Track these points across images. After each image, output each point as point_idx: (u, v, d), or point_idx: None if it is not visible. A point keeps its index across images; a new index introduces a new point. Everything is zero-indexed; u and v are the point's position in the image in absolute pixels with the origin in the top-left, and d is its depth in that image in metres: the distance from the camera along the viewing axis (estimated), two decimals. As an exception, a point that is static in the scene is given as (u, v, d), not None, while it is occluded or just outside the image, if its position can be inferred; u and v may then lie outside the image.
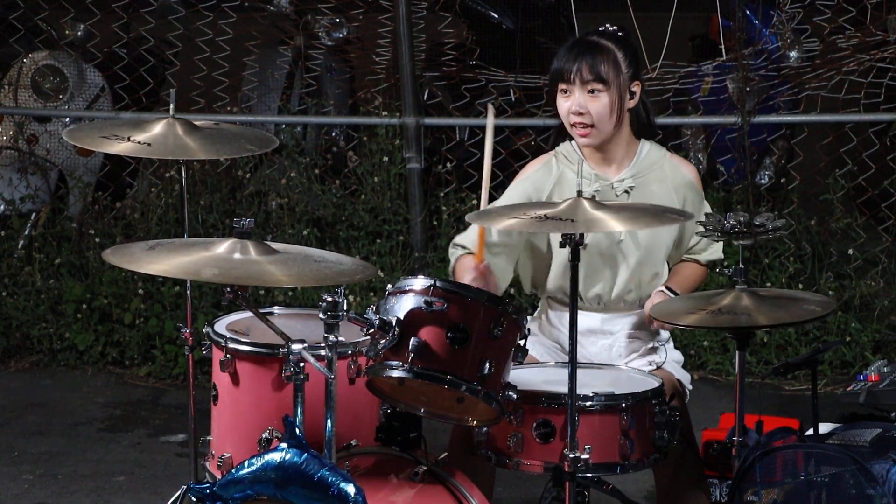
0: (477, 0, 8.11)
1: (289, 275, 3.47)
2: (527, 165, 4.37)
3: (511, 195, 4.29)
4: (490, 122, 4.19)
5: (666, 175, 4.23)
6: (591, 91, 4.11)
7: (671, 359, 4.27)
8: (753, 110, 6.97)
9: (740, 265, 3.85)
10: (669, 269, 4.36)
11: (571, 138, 4.27)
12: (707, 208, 4.30)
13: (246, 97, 7.93)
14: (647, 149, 4.26)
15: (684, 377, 4.27)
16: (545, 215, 3.55)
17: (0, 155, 7.69)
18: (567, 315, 4.23)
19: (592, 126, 4.12)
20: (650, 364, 4.20)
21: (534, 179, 4.28)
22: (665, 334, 4.33)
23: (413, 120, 7.03)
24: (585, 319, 4.21)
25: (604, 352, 4.24)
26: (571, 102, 4.12)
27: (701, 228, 3.92)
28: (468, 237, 4.27)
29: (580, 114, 4.11)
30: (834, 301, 4.12)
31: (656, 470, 4.13)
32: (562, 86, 4.13)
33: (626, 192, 4.19)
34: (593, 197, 3.75)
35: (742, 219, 3.81)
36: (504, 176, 7.23)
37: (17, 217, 7.36)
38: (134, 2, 7.77)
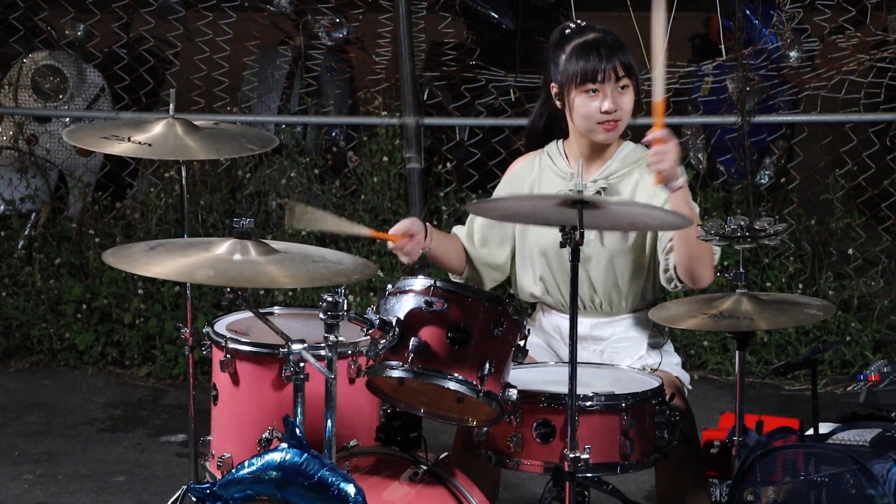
0: (477, 0, 8.11)
1: (285, 275, 3.47)
2: (514, 162, 4.37)
3: (499, 194, 4.31)
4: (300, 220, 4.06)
5: (642, 174, 4.18)
6: (623, 87, 4.10)
7: (669, 362, 4.25)
8: (753, 110, 6.97)
9: (741, 269, 3.84)
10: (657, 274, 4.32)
11: (558, 139, 4.26)
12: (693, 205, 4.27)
13: (246, 97, 7.93)
14: (629, 149, 4.23)
15: (683, 376, 4.27)
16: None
17: (0, 155, 7.69)
18: (557, 320, 4.25)
19: (619, 120, 4.12)
20: (644, 368, 4.18)
21: (518, 177, 4.29)
22: (661, 336, 4.29)
23: (413, 120, 7.03)
24: None
25: (595, 357, 4.22)
26: (602, 102, 4.07)
27: (702, 233, 3.91)
28: (462, 229, 4.29)
29: (612, 111, 4.09)
30: (834, 305, 4.10)
31: (658, 470, 4.13)
32: (590, 86, 4.08)
33: (598, 192, 4.17)
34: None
35: (742, 223, 3.81)
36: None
37: (17, 217, 7.36)
38: (134, 2, 7.77)
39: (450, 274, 4.33)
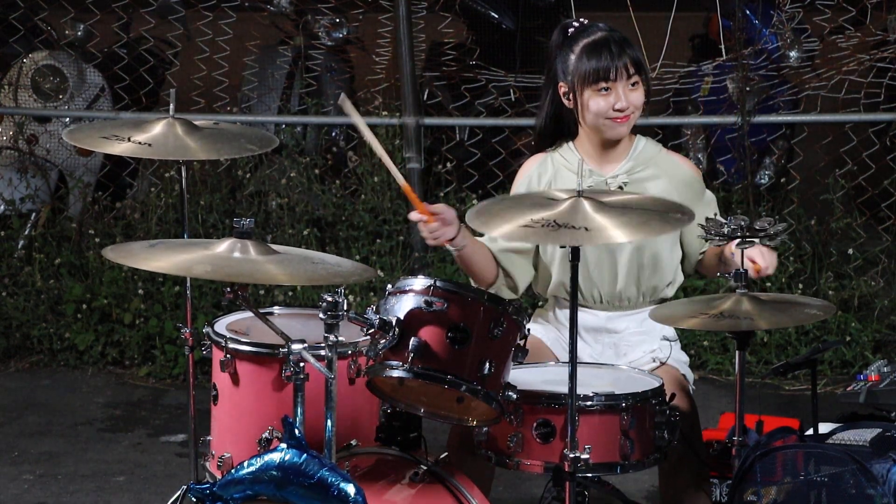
0: (477, 0, 8.11)
1: (284, 273, 3.47)
2: (524, 165, 4.37)
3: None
4: (349, 110, 4.03)
5: (663, 171, 4.22)
6: (634, 84, 4.11)
7: (677, 358, 4.26)
8: (753, 110, 6.97)
9: (741, 269, 3.85)
10: (685, 272, 4.33)
11: (567, 139, 4.26)
12: (712, 199, 4.27)
13: (246, 97, 7.93)
14: (644, 144, 4.26)
15: (689, 375, 4.27)
16: (554, 222, 3.49)
17: (0, 155, 7.69)
18: (577, 314, 4.25)
19: (631, 115, 4.13)
20: (654, 360, 4.19)
21: (532, 177, 4.29)
22: (672, 333, 4.31)
23: (413, 120, 7.03)
24: (590, 318, 4.21)
25: (609, 350, 4.24)
26: (614, 99, 4.09)
27: (703, 226, 3.91)
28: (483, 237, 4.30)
29: (625, 109, 4.11)
30: (834, 305, 4.10)
31: (660, 469, 4.12)
32: (602, 84, 4.09)
33: (620, 187, 4.18)
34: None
35: (743, 223, 3.81)
36: (504, 176, 7.24)
37: (17, 217, 7.36)
38: (134, 2, 7.77)
39: (477, 285, 4.27)
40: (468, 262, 4.16)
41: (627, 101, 4.10)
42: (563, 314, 4.30)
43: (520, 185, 4.32)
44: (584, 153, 4.23)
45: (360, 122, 4.00)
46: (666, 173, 4.22)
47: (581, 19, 4.23)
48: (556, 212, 3.52)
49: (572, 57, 4.13)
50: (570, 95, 4.16)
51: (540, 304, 4.46)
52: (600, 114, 4.12)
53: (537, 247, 4.28)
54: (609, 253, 4.17)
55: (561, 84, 4.18)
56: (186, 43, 7.86)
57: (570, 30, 4.19)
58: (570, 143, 4.27)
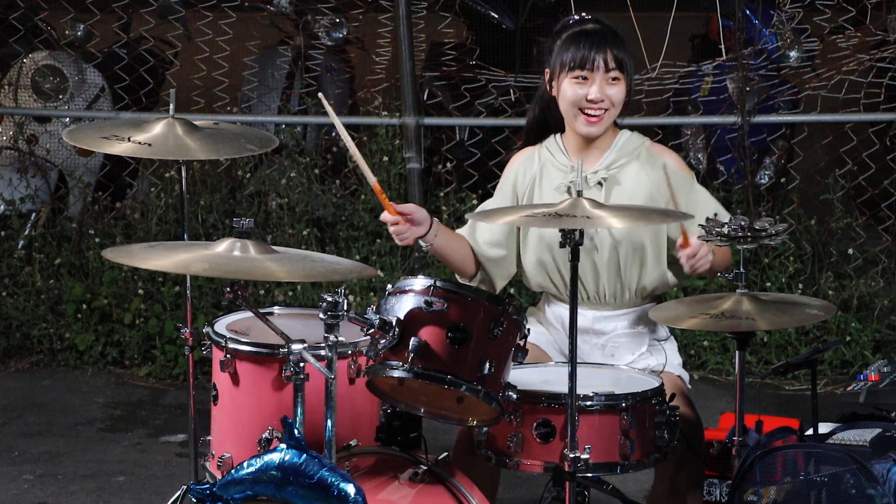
0: (477, 0, 8.11)
1: (281, 269, 3.47)
2: (511, 159, 4.37)
3: (501, 193, 4.32)
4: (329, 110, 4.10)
5: (642, 164, 4.20)
6: (614, 79, 4.11)
7: (672, 363, 4.25)
8: (753, 110, 6.97)
9: (741, 269, 3.84)
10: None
11: (556, 132, 4.27)
12: (701, 191, 4.24)
13: (246, 97, 7.93)
14: (626, 138, 4.24)
15: (684, 376, 4.27)
16: (556, 213, 3.56)
17: (0, 155, 7.69)
18: (560, 311, 4.25)
19: (606, 111, 4.12)
20: (644, 369, 4.18)
21: (518, 173, 4.30)
22: (664, 333, 4.30)
23: (413, 120, 7.03)
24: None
25: (596, 351, 4.22)
26: (588, 90, 4.09)
27: (703, 226, 3.91)
28: (465, 229, 4.29)
29: (598, 101, 4.10)
30: (834, 305, 4.10)
31: (657, 469, 4.12)
32: (579, 73, 4.10)
33: (599, 183, 4.17)
34: (568, 189, 3.90)
35: (743, 223, 3.81)
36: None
37: (17, 217, 7.36)
38: (134, 2, 7.77)
39: (458, 277, 4.32)
40: (442, 256, 4.23)
41: (603, 93, 4.10)
42: (552, 311, 4.30)
43: (506, 180, 4.33)
44: (568, 147, 4.23)
45: (336, 120, 4.06)
46: (646, 168, 4.20)
47: (584, 13, 4.24)
48: (557, 207, 3.60)
49: (558, 44, 4.16)
50: (552, 82, 4.18)
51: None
52: (574, 102, 4.12)
53: (518, 247, 4.28)
54: (588, 251, 4.15)
55: (546, 70, 4.21)
56: (186, 43, 7.86)
57: (570, 21, 4.21)
58: (558, 137, 4.27)
